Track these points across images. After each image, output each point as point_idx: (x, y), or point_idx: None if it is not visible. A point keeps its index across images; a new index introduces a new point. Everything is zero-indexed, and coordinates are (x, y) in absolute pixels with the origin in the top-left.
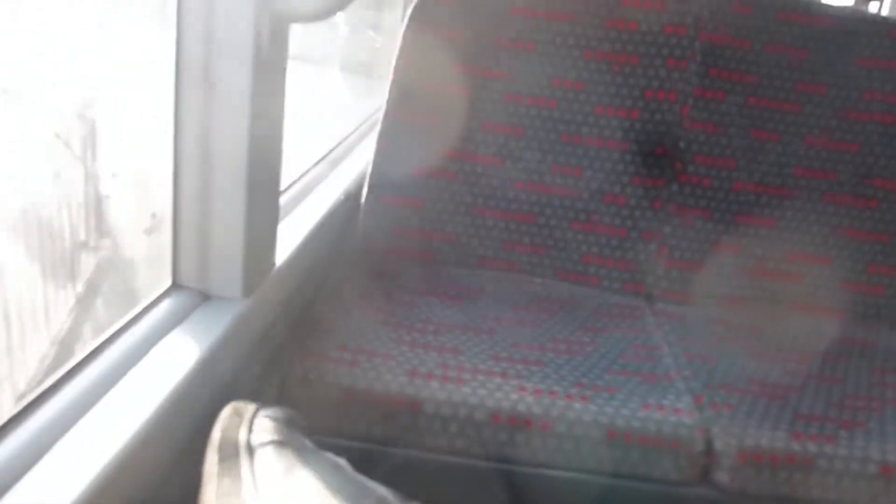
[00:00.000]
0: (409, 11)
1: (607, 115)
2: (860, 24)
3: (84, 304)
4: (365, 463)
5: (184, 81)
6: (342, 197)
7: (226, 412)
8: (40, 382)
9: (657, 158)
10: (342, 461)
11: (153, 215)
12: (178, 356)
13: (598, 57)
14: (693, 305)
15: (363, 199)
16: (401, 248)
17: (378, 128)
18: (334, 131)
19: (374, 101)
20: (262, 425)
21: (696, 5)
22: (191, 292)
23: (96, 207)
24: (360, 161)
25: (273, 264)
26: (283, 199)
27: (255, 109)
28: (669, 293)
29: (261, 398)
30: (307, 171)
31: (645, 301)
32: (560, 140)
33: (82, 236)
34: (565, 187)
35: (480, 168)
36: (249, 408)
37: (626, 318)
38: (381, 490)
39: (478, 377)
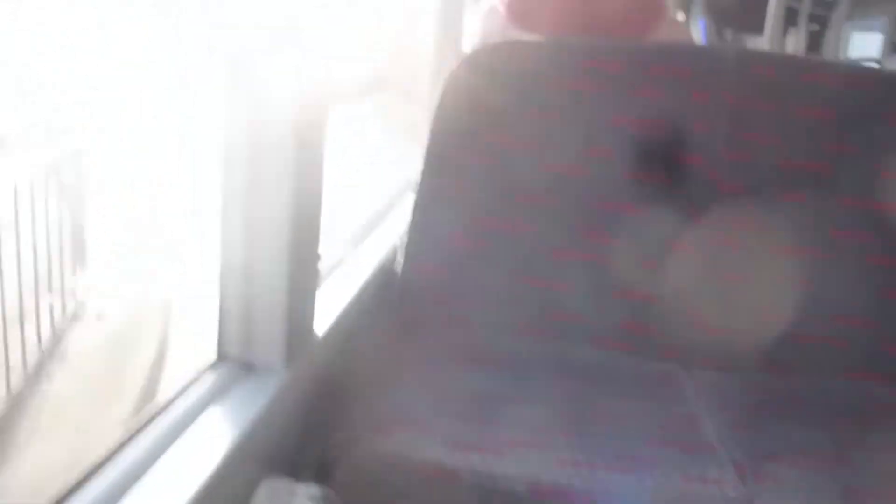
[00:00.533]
0: (443, 83)
1: (639, 181)
2: (885, 82)
3: None
4: None
5: (230, 158)
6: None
7: (263, 489)
8: None
9: (690, 222)
10: None
11: None
12: (220, 431)
13: (628, 124)
14: (733, 372)
15: (400, 267)
16: (438, 316)
17: (414, 195)
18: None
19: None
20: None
21: (721, 70)
22: (234, 364)
23: None
24: (397, 227)
25: (313, 334)
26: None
27: (296, 185)
28: (708, 359)
29: (298, 471)
30: (345, 239)
31: (683, 368)
32: (593, 207)
33: None
34: (601, 255)
35: (515, 236)
36: (286, 484)
37: (665, 385)
38: None
39: (517, 448)
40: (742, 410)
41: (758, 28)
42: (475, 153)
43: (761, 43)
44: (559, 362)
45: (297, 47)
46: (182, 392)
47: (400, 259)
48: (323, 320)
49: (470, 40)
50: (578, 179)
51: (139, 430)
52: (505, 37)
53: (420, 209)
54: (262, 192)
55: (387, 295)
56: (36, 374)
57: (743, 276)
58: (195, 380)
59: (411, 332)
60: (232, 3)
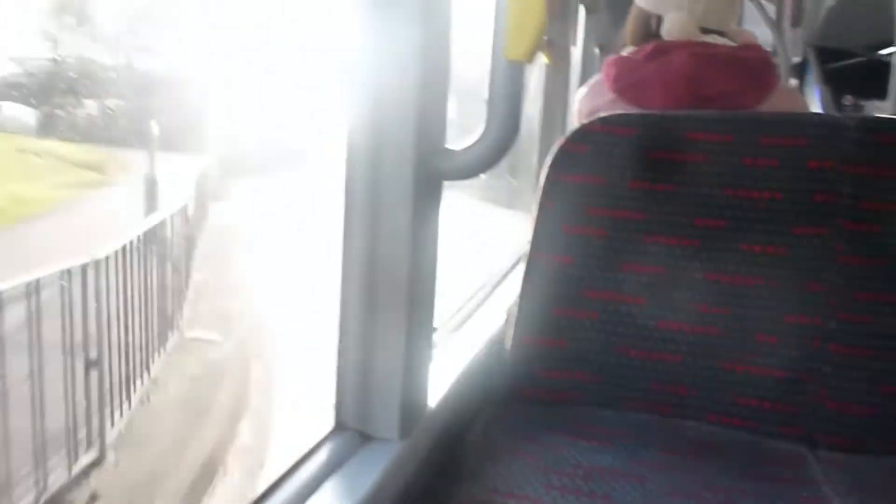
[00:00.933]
0: (549, 158)
1: (753, 251)
2: None
3: None
4: None
5: (350, 230)
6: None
7: None
8: None
9: (810, 295)
10: None
11: None
12: (340, 501)
13: (741, 194)
14: (864, 453)
15: (509, 339)
16: (547, 388)
17: (521, 267)
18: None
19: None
20: None
21: (840, 138)
22: (352, 433)
23: None
24: (506, 299)
25: (427, 406)
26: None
27: (413, 256)
28: (835, 438)
29: None
30: (457, 311)
31: (808, 447)
32: (705, 278)
33: None
34: (713, 326)
35: (624, 308)
36: None
37: (788, 466)
38: None
39: None
40: (876, 496)
41: (878, 94)
42: (582, 225)
43: (883, 109)
44: (672, 437)
45: (415, 127)
46: (304, 459)
47: (510, 331)
48: (436, 391)
49: (576, 114)
50: (688, 251)
51: (264, 498)
52: (611, 111)
53: (529, 281)
54: (380, 264)
55: (497, 366)
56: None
57: (872, 351)
58: (316, 448)
59: (521, 404)
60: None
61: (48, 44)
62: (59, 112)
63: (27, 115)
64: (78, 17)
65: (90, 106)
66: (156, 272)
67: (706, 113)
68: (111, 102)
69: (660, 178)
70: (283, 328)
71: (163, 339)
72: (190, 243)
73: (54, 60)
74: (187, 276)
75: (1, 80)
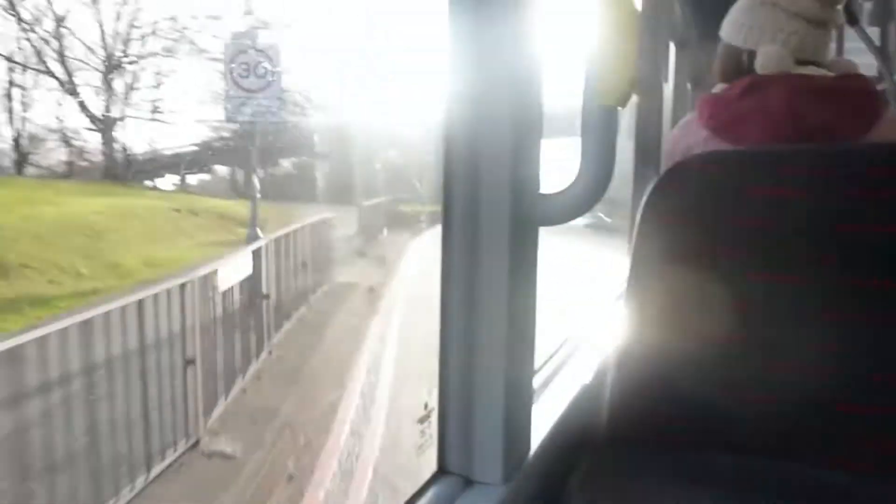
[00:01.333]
0: (644, 198)
1: (867, 287)
2: None
3: None
4: None
5: (448, 275)
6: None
7: None
8: None
9: None
10: None
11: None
12: None
13: (849, 229)
14: None
15: (609, 382)
16: (651, 431)
17: (620, 310)
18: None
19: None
20: None
21: None
22: (455, 478)
23: None
24: (607, 339)
25: (529, 449)
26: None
27: (511, 301)
28: None
29: None
30: (553, 354)
31: None
32: (817, 317)
33: None
34: (827, 366)
35: (731, 347)
36: None
37: None
38: None
39: None
40: None
41: None
42: (682, 264)
43: None
44: (788, 483)
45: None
46: (409, 503)
47: (610, 372)
48: (538, 434)
49: (669, 153)
50: (795, 288)
51: None
52: (706, 149)
53: (628, 322)
54: (479, 309)
55: (597, 408)
56: None
57: None
58: (420, 492)
59: (625, 448)
60: None
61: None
62: (259, 171)
63: (221, 173)
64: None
65: (285, 165)
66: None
67: (807, 146)
68: (302, 160)
69: (761, 214)
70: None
71: None
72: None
73: (251, 123)
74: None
75: (203, 143)
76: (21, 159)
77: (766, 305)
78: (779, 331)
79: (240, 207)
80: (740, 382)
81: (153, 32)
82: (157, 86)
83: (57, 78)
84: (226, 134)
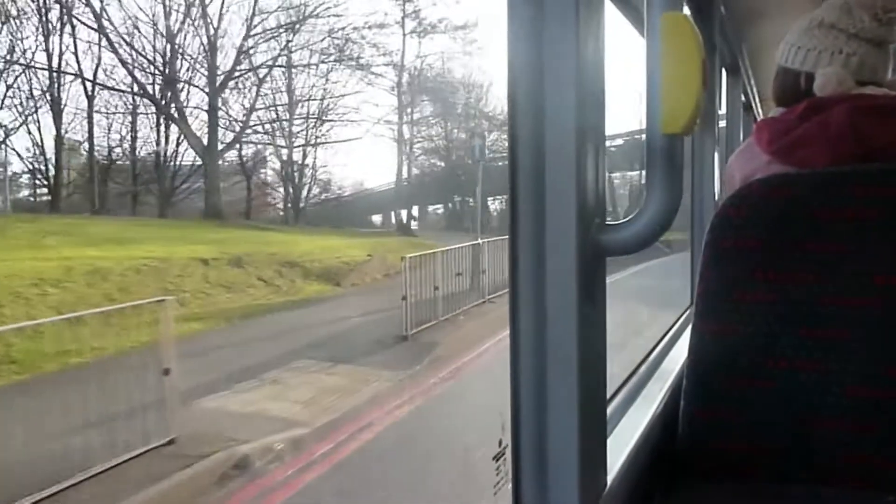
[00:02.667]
0: (708, 225)
1: None
2: None
3: None
4: None
5: (517, 308)
6: None
7: None
8: None
9: None
10: None
11: None
12: None
13: None
14: None
15: (681, 410)
16: (725, 463)
17: (687, 339)
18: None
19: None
20: None
21: None
22: None
23: None
24: (673, 370)
25: (605, 482)
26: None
27: (581, 332)
28: None
29: None
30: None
31: None
32: (891, 340)
33: None
34: None
35: (803, 375)
36: None
37: None
38: None
39: None
40: None
41: None
42: (750, 291)
43: None
44: None
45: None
46: None
47: (681, 400)
48: (612, 466)
49: (728, 180)
50: (869, 311)
51: None
52: (767, 173)
53: (696, 351)
54: (549, 342)
55: (670, 437)
56: None
57: None
58: None
59: (699, 481)
60: None
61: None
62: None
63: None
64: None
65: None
66: None
67: (876, 166)
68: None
69: (830, 237)
70: None
71: None
72: None
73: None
74: None
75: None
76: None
77: (841, 331)
78: (856, 357)
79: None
80: (818, 410)
81: None
82: None
83: None
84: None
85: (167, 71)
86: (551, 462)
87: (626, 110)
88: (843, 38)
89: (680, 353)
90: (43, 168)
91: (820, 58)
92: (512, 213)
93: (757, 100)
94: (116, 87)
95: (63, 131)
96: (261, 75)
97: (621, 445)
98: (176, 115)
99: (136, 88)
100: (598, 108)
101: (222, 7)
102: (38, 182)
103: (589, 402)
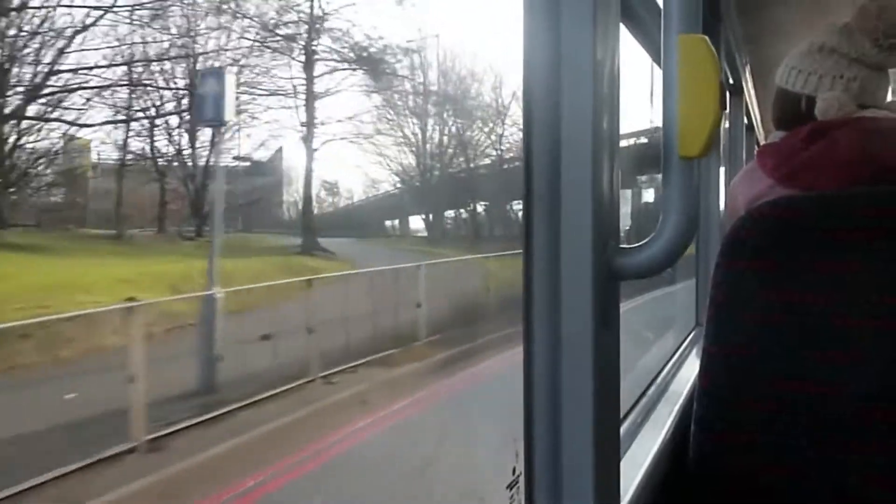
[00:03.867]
0: (718, 248)
1: None
2: None
3: None
4: None
5: (531, 332)
6: None
7: None
8: None
9: None
10: None
11: None
12: None
13: None
14: None
15: (691, 436)
16: (738, 486)
17: (693, 361)
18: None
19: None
20: None
21: None
22: None
23: None
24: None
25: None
26: None
27: (596, 354)
28: None
29: None
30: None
31: None
32: None
33: None
34: None
35: (817, 396)
36: None
37: None
38: None
39: None
40: None
41: None
42: (762, 313)
43: None
44: None
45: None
46: None
47: (693, 419)
48: (625, 491)
49: (731, 205)
50: (881, 332)
51: None
52: (771, 197)
53: (707, 373)
54: (564, 367)
55: (680, 461)
56: None
57: None
58: None
59: (709, 501)
60: None
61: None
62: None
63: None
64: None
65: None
66: None
67: (884, 188)
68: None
69: (842, 257)
70: None
71: None
72: None
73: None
74: None
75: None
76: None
77: (855, 351)
78: (870, 377)
79: None
80: (831, 433)
81: None
82: None
83: None
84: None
85: None
86: (566, 490)
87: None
88: (843, 63)
89: (687, 375)
90: None
91: (821, 82)
92: (526, 233)
93: (758, 120)
94: None
95: None
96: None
97: (633, 471)
98: None
99: None
100: (613, 125)
101: None
102: None
103: (603, 428)
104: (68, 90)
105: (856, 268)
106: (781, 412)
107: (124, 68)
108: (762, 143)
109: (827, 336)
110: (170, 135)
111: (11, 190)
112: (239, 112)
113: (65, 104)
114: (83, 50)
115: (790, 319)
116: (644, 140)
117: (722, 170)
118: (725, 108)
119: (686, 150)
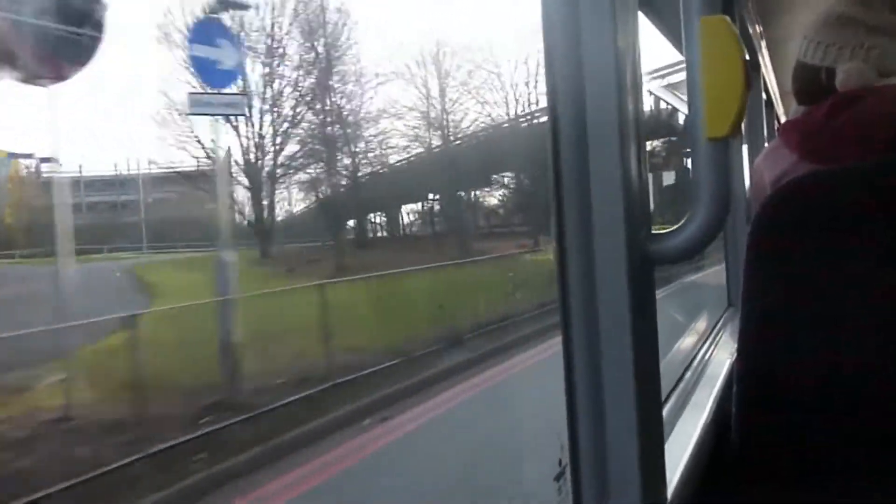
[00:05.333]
0: (751, 224)
1: None
2: None
3: None
4: None
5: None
6: None
7: None
8: None
9: None
10: None
11: None
12: None
13: None
14: None
15: (732, 418)
16: (780, 465)
17: (732, 342)
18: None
19: None
20: None
21: None
22: None
23: None
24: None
25: (666, 497)
26: None
27: (635, 341)
28: None
29: None
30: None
31: None
32: None
33: None
34: None
35: (861, 373)
36: None
37: None
38: None
39: None
40: None
41: None
42: (798, 290)
43: None
44: None
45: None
46: None
47: (733, 400)
48: (671, 479)
49: (757, 183)
50: None
51: None
52: (797, 173)
53: (745, 354)
54: (603, 354)
55: (722, 443)
56: None
57: None
58: None
59: (757, 484)
60: None
61: None
62: None
63: None
64: None
65: None
66: None
67: None
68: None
69: (878, 230)
70: None
71: None
72: None
73: None
74: None
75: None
76: None
77: (890, 328)
78: None
79: None
80: (875, 409)
81: None
82: None
83: None
84: None
85: None
86: (612, 478)
87: None
88: (862, 32)
89: (723, 357)
90: None
91: (840, 53)
92: (558, 225)
93: (777, 96)
94: None
95: None
96: None
97: (677, 455)
98: None
99: None
100: (638, 110)
101: None
102: None
103: (646, 414)
104: None
105: (890, 237)
106: (825, 389)
107: None
108: (782, 118)
109: (869, 310)
110: None
111: None
112: None
113: None
114: None
115: (829, 294)
116: None
117: (745, 147)
118: (751, 87)
119: (714, 132)
